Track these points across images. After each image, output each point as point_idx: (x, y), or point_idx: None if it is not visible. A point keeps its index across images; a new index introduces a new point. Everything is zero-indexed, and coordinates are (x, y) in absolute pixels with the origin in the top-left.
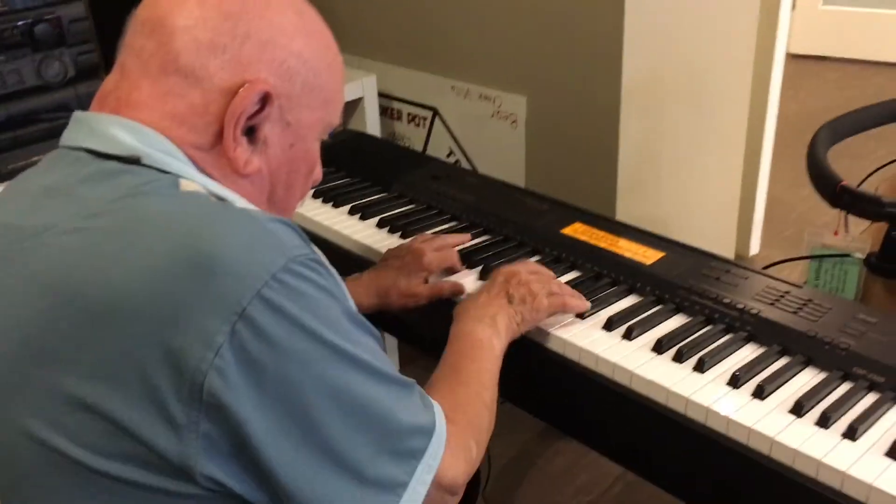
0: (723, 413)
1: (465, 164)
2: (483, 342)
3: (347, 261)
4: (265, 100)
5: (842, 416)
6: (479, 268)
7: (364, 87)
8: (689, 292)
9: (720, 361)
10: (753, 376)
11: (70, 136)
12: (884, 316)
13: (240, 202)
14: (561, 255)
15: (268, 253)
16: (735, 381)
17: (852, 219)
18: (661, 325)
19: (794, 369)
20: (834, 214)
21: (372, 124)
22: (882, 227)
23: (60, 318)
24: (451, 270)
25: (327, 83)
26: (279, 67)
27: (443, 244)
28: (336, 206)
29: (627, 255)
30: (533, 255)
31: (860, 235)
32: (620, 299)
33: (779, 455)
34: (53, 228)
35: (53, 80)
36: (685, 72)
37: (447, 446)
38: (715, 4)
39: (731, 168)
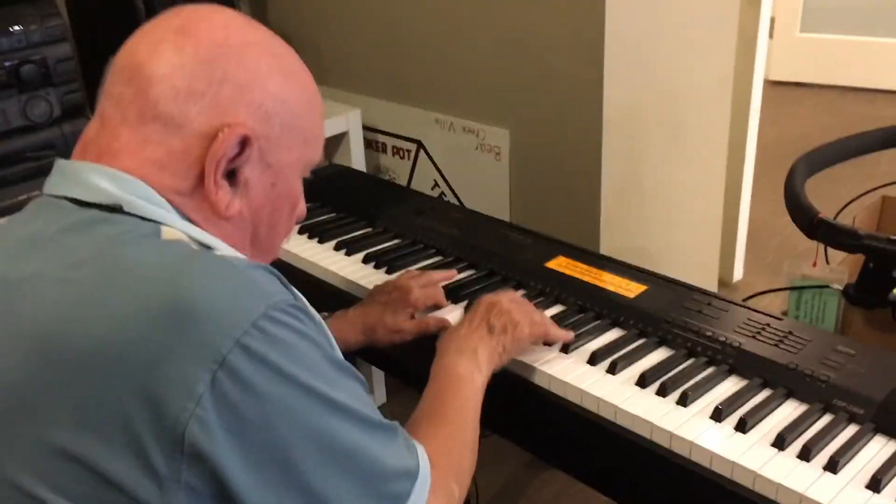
0: (707, 447)
1: (449, 196)
2: (464, 377)
3: (333, 296)
4: (245, 143)
5: (822, 448)
6: (465, 303)
7: (349, 120)
8: (672, 325)
9: (703, 395)
10: (736, 410)
11: (52, 185)
12: (862, 347)
13: (222, 247)
14: (545, 288)
15: (248, 300)
16: (718, 415)
17: (832, 248)
18: (644, 359)
19: (775, 402)
20: (815, 241)
21: (357, 157)
22: (860, 257)
23: (44, 369)
24: (437, 306)
25: (306, 122)
26: (257, 110)
27: (429, 281)
28: (322, 241)
29: (611, 288)
30: (517, 289)
31: (838, 266)
32: (604, 333)
33: (762, 488)
34: (36, 279)
35: (39, 119)
36: (665, 102)
37: (431, 490)
38: (693, 35)
39: (712, 196)
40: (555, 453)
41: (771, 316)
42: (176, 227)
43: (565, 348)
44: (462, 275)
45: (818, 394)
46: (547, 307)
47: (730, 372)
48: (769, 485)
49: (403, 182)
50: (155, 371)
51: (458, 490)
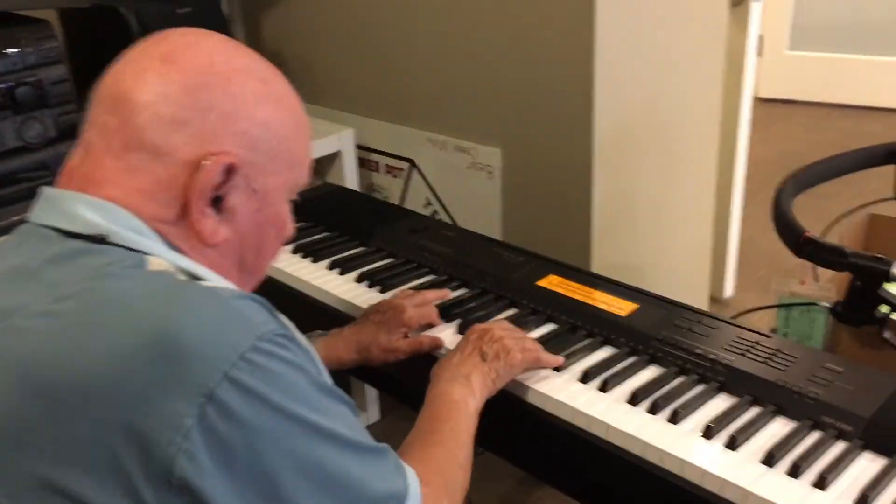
0: (697, 464)
1: (442, 215)
2: (458, 403)
3: (327, 316)
4: (230, 171)
5: (812, 465)
6: (457, 321)
7: (342, 139)
8: (663, 343)
9: (693, 412)
10: (726, 427)
11: (38, 214)
12: (850, 365)
13: (209, 276)
14: (537, 307)
15: (234, 333)
16: (708, 433)
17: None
18: (635, 377)
19: (764, 419)
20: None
21: (350, 176)
22: (848, 275)
23: (32, 404)
24: (430, 325)
25: (293, 146)
26: (243, 137)
27: (423, 300)
28: (315, 261)
29: (602, 306)
30: (510, 307)
31: (826, 284)
32: (596, 351)
33: None
34: (21, 312)
35: (34, 140)
36: (655, 121)
37: None
38: (682, 54)
39: (703, 213)
40: (548, 471)
41: (760, 333)
42: (162, 258)
43: (557, 367)
44: (454, 294)
45: (807, 411)
46: (539, 326)
47: (720, 389)
48: (759, 502)
49: (396, 200)
50: (142, 406)
51: None
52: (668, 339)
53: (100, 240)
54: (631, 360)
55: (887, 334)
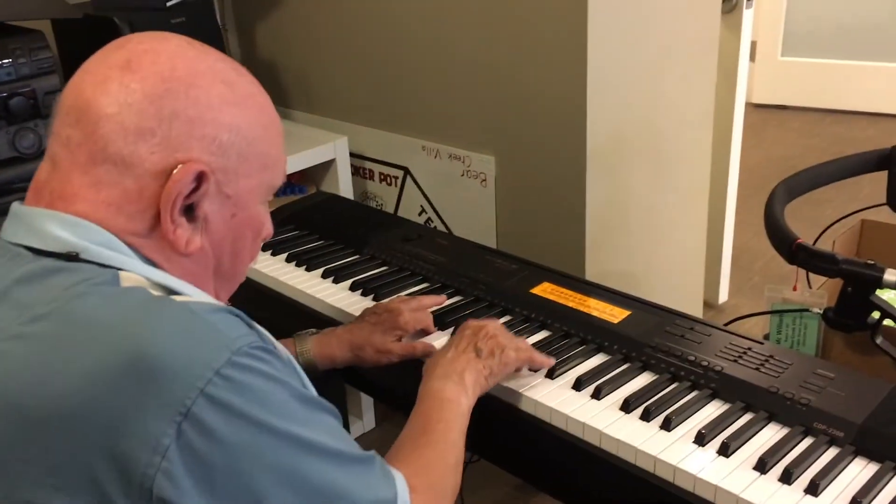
0: (690, 471)
1: (436, 222)
2: (451, 401)
3: (321, 325)
4: (200, 178)
5: (804, 471)
6: (451, 329)
7: (336, 147)
8: (656, 350)
9: (686, 419)
10: (718, 433)
11: (9, 232)
12: (842, 371)
13: (184, 288)
14: (531, 314)
15: (209, 348)
16: (701, 439)
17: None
18: (628, 384)
19: (757, 426)
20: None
21: (344, 184)
22: (839, 281)
23: (9, 428)
24: (425, 332)
25: (264, 149)
26: (211, 143)
27: (419, 305)
28: (309, 269)
29: (595, 313)
30: (503, 315)
31: (818, 290)
32: (589, 358)
33: None
34: None
35: (28, 151)
36: (648, 128)
37: None
38: (675, 60)
39: (696, 219)
40: (541, 478)
41: (752, 340)
42: (135, 272)
43: (550, 373)
44: (449, 301)
45: (799, 417)
46: (532, 333)
47: (712, 396)
48: None
49: (391, 208)
50: (120, 428)
51: None
52: (661, 346)
53: (72, 257)
54: (624, 366)
55: (879, 340)
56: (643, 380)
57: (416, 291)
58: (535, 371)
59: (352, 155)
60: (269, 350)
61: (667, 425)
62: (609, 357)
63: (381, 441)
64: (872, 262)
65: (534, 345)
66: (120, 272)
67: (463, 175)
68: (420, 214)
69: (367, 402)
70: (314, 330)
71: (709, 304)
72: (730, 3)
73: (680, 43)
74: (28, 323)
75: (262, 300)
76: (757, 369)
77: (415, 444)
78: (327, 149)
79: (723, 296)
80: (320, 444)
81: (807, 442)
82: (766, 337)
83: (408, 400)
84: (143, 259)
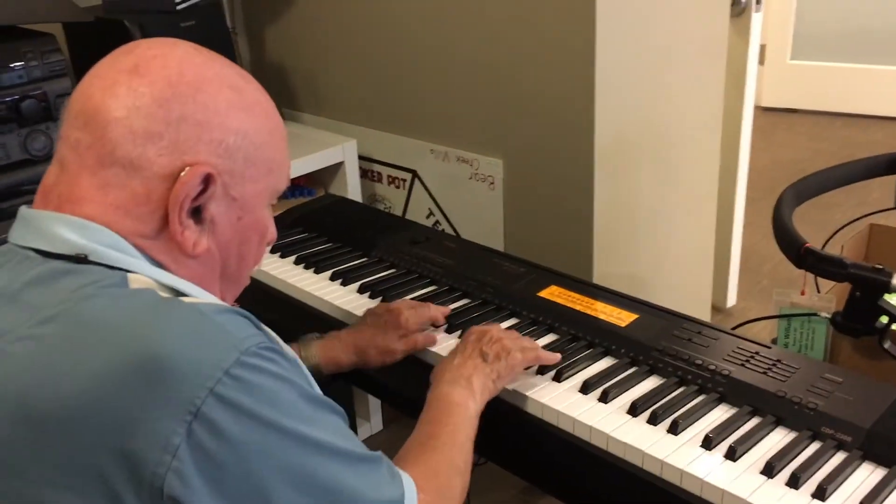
0: (697, 475)
1: (444, 225)
2: (458, 405)
3: (329, 327)
4: (208, 180)
5: (811, 476)
6: (459, 332)
7: (345, 150)
8: (663, 354)
9: (693, 423)
10: (725, 437)
11: (17, 235)
12: (850, 375)
13: (192, 290)
14: (538, 318)
15: (218, 349)
16: (708, 443)
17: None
18: (635, 388)
19: (764, 430)
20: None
21: (353, 187)
22: (848, 285)
23: (21, 429)
24: (434, 325)
25: (269, 153)
26: (218, 147)
27: (419, 304)
28: (317, 272)
29: (603, 317)
30: (510, 318)
31: (826, 294)
32: (596, 361)
33: None
34: (5, 336)
35: (39, 153)
36: (656, 131)
37: None
38: (683, 63)
39: (704, 222)
40: (548, 481)
41: (760, 344)
42: (143, 274)
43: (558, 377)
44: (457, 304)
45: (806, 421)
46: (540, 336)
47: (720, 400)
48: None
49: (399, 211)
50: (130, 428)
51: None
52: (668, 350)
53: (80, 259)
54: (631, 370)
55: (887, 345)
56: (650, 383)
57: (424, 294)
58: (545, 373)
59: (360, 158)
60: (277, 350)
61: (674, 429)
62: (616, 360)
63: (389, 443)
64: (881, 267)
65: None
66: (128, 274)
67: (471, 178)
68: (428, 217)
69: (374, 404)
70: (318, 334)
71: (717, 308)
72: (739, 6)
73: (688, 46)
74: (37, 325)
75: (271, 302)
76: (764, 373)
77: (423, 448)
78: (336, 151)
79: (731, 299)
80: (328, 443)
81: (814, 446)
82: (774, 341)
83: (415, 402)
84: (151, 261)
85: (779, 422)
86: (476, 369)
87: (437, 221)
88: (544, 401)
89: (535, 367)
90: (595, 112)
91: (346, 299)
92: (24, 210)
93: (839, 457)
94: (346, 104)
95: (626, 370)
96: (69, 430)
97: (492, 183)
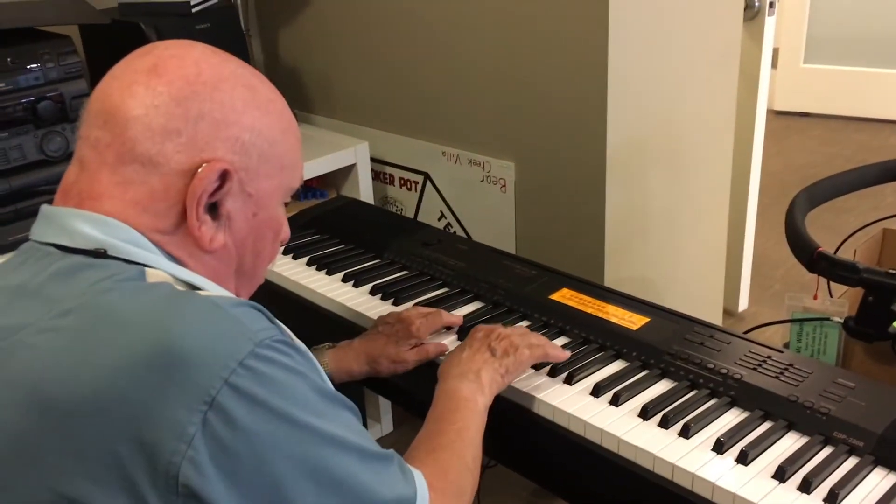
0: (708, 479)
1: (456, 227)
2: (467, 400)
3: (341, 328)
4: (224, 176)
5: (823, 481)
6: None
7: (357, 153)
8: (675, 357)
9: (705, 427)
10: (737, 442)
11: (38, 232)
12: (862, 380)
13: (208, 285)
14: (549, 320)
15: (234, 340)
16: (719, 447)
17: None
18: (647, 391)
19: (776, 434)
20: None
21: (365, 189)
22: (861, 290)
23: (39, 419)
24: (447, 328)
25: (283, 150)
26: (234, 143)
27: (430, 311)
28: (330, 273)
29: (614, 320)
30: (522, 320)
31: (839, 299)
32: (607, 364)
33: None
34: (26, 329)
35: (55, 154)
36: (668, 134)
37: None
38: (696, 67)
39: (717, 226)
40: (559, 484)
41: (772, 348)
42: (160, 269)
43: (569, 379)
44: (468, 307)
45: (818, 426)
46: (551, 339)
47: (731, 404)
48: None
49: (411, 213)
50: (146, 417)
51: None
52: (680, 353)
53: (100, 254)
54: (642, 373)
55: None
56: (662, 387)
57: (436, 296)
58: (555, 376)
59: (372, 160)
60: (291, 344)
61: (685, 432)
62: (628, 364)
63: (399, 444)
64: (894, 272)
65: None
66: (146, 268)
67: (483, 180)
68: (440, 219)
69: (384, 405)
70: (330, 344)
71: (729, 312)
72: (752, 10)
73: (701, 50)
74: (57, 317)
75: (283, 303)
76: (776, 378)
77: (432, 445)
78: (348, 153)
79: (743, 303)
80: (341, 437)
81: (826, 451)
82: (786, 345)
83: (426, 404)
84: (168, 256)
85: (790, 426)
86: (485, 363)
87: (448, 224)
88: (555, 403)
89: (547, 369)
90: (607, 115)
91: (358, 301)
92: (45, 208)
93: (851, 462)
94: (359, 106)
95: (638, 373)
96: (87, 420)
97: (503, 186)
